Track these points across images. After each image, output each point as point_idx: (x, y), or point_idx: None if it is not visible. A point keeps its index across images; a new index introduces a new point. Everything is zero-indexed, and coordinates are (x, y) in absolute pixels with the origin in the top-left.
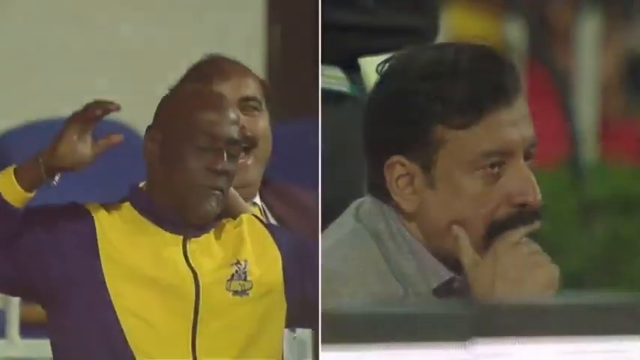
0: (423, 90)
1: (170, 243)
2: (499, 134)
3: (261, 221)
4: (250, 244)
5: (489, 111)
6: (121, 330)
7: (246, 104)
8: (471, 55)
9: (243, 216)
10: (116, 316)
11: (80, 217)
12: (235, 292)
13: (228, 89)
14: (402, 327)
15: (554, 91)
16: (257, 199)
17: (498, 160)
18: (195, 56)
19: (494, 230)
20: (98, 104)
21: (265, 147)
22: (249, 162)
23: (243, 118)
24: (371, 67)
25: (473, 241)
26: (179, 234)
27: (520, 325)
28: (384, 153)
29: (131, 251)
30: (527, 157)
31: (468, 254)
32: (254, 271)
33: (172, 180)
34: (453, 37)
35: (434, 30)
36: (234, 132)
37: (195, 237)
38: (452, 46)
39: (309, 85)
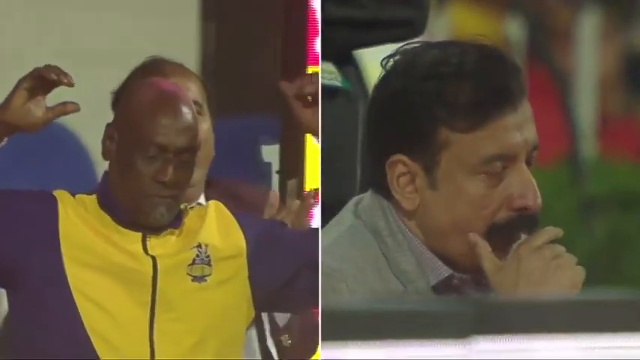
0: (427, 91)
1: (130, 237)
2: (503, 139)
3: (230, 209)
4: (214, 228)
5: (494, 115)
6: (78, 314)
7: None
8: (477, 56)
9: (211, 202)
10: (73, 301)
11: (44, 200)
12: (194, 278)
13: None
14: (401, 324)
15: (554, 89)
16: (202, 200)
17: (501, 164)
18: (130, 56)
19: (494, 233)
20: (54, 68)
21: (207, 149)
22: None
23: None
24: (369, 58)
25: (468, 246)
26: (138, 232)
27: (520, 322)
28: (385, 151)
29: (91, 239)
30: (528, 160)
31: (489, 260)
32: (216, 255)
33: (125, 184)
34: (453, 34)
35: (424, 21)
36: (185, 140)
37: (155, 234)
38: (457, 46)
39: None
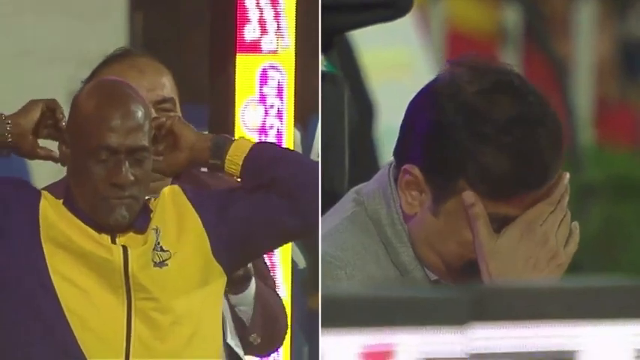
0: (464, 144)
1: (99, 236)
2: (513, 211)
3: (183, 190)
4: (168, 213)
5: (518, 193)
6: (54, 291)
7: (161, 106)
8: (529, 119)
9: (166, 188)
10: (51, 280)
11: (29, 188)
12: (155, 264)
13: (143, 91)
14: (399, 311)
15: (552, 76)
16: None
17: (501, 224)
18: (60, 50)
19: (468, 266)
20: (63, 114)
21: None
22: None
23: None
24: (361, 39)
25: (445, 266)
26: (105, 234)
27: (517, 308)
28: (409, 155)
29: (67, 227)
30: None
31: (485, 223)
32: (172, 239)
33: (82, 189)
34: (451, 23)
35: (409, 2)
36: (136, 139)
37: (122, 233)
38: (516, 96)
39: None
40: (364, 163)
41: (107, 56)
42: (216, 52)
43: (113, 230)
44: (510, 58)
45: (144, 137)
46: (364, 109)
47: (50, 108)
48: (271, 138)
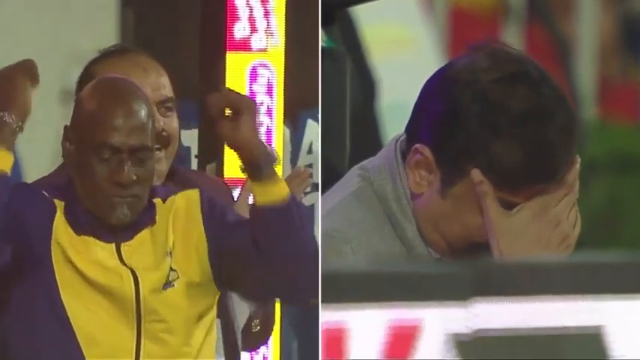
0: (478, 133)
1: (104, 248)
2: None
3: (201, 201)
4: (180, 229)
5: (526, 185)
6: (65, 311)
7: (163, 106)
8: (542, 113)
9: (183, 193)
10: (60, 298)
11: (46, 203)
12: (163, 286)
13: (147, 90)
14: (402, 286)
15: (555, 52)
16: None
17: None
18: (48, 48)
19: (470, 249)
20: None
21: (175, 144)
22: (161, 154)
23: (160, 119)
24: (364, 15)
25: (447, 247)
26: (110, 242)
27: (520, 284)
28: (419, 137)
29: (73, 252)
30: None
31: (494, 202)
32: (179, 260)
33: (84, 186)
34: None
35: None
36: (139, 139)
37: (127, 241)
38: (529, 86)
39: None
40: (366, 140)
41: (102, 51)
42: (206, 50)
43: (116, 232)
44: (513, 35)
45: (146, 137)
46: (366, 85)
47: (32, 67)
48: (261, 135)
